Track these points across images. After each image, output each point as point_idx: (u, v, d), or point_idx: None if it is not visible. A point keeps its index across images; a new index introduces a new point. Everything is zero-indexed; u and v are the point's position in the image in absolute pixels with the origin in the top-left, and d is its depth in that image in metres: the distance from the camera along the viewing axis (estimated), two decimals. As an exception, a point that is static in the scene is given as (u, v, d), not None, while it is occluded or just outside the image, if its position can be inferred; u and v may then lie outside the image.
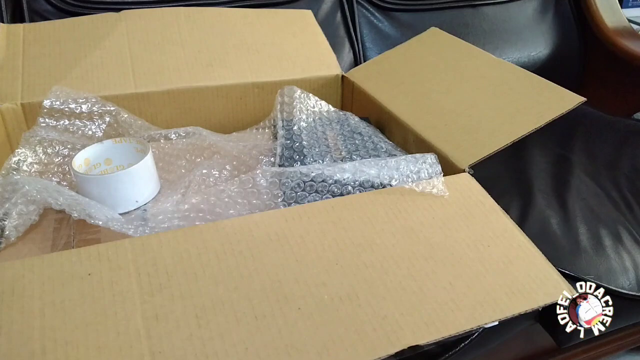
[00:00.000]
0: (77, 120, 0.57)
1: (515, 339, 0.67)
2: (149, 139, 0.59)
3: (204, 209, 0.45)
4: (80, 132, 0.57)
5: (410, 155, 0.49)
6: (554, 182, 0.73)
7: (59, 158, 0.54)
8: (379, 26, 0.98)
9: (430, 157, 0.48)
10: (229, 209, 0.45)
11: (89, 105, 0.57)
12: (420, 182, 0.46)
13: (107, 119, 0.58)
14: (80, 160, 0.50)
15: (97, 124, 0.58)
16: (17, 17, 0.76)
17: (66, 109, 0.56)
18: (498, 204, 0.46)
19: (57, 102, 0.56)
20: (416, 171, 0.46)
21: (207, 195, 0.46)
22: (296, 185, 0.46)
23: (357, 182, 0.46)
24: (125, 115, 0.59)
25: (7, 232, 0.43)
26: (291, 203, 0.46)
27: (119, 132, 0.59)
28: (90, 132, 0.57)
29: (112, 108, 0.58)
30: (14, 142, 0.58)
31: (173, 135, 0.60)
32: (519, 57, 1.07)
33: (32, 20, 0.75)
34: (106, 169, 0.53)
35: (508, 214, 0.45)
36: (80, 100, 0.57)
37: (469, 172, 0.49)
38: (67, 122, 0.57)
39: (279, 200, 0.46)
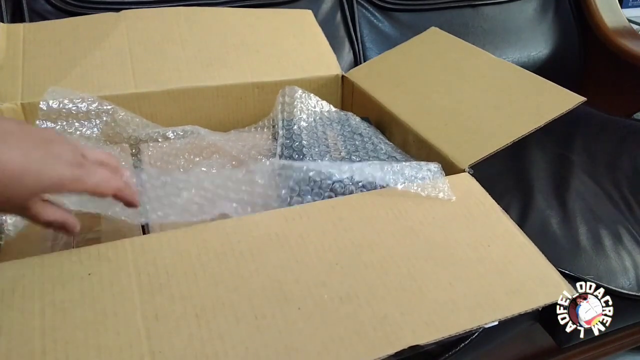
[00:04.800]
0: (74, 121, 0.57)
1: (515, 339, 0.67)
2: (146, 138, 0.59)
3: (203, 203, 0.44)
4: (78, 132, 0.57)
5: (415, 162, 0.49)
6: (554, 182, 0.73)
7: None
8: (379, 26, 0.98)
9: (434, 166, 0.47)
10: (230, 202, 0.45)
11: (86, 105, 0.57)
12: (427, 185, 0.45)
13: (105, 118, 0.57)
14: None
15: (94, 123, 0.57)
16: (17, 17, 0.76)
17: (63, 110, 0.56)
18: (498, 204, 0.46)
19: (54, 104, 0.56)
20: (421, 177, 0.46)
21: (204, 190, 0.45)
22: (300, 180, 0.46)
23: (360, 183, 0.46)
24: (122, 114, 0.58)
25: (7, 228, 0.43)
26: (293, 197, 0.46)
27: (116, 131, 0.59)
28: (88, 132, 0.57)
29: (109, 107, 0.58)
30: (14, 142, 0.58)
31: (171, 134, 0.60)
32: (519, 57, 1.07)
33: (32, 20, 0.75)
34: None
35: (508, 214, 0.45)
36: (77, 100, 0.56)
37: (469, 172, 0.49)
38: (65, 123, 0.56)
39: (282, 192, 0.46)
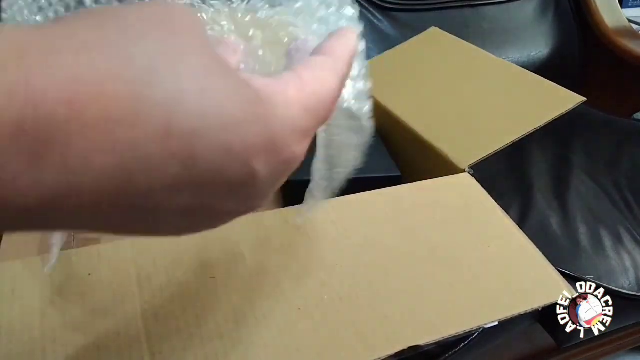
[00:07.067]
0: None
1: (515, 339, 0.67)
2: None
3: None
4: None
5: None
6: (554, 182, 0.73)
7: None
8: (379, 26, 0.98)
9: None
10: None
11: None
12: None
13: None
14: None
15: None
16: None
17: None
18: (498, 204, 0.46)
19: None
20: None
21: None
22: None
23: None
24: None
25: None
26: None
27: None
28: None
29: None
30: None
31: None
32: (519, 57, 1.07)
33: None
34: None
35: (508, 214, 0.45)
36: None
37: (469, 172, 0.49)
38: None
39: None
